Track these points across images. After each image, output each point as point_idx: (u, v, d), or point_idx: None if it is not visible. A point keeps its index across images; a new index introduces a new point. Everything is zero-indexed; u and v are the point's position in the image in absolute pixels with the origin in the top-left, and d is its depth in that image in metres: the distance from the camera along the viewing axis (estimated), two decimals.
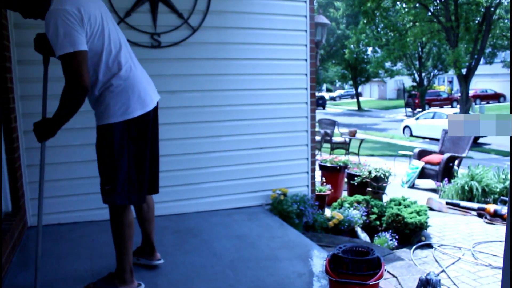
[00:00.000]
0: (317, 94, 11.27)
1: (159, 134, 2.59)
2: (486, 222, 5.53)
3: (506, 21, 20.00)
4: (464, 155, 8.23)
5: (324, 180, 5.50)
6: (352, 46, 28.72)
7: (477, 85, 33.15)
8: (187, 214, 3.95)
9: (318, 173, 5.65)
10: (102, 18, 2.19)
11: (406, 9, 20.40)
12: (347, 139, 10.85)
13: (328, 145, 10.86)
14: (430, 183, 8.15)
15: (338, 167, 6.07)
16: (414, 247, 4.57)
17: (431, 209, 6.06)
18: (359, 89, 41.53)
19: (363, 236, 4.62)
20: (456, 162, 8.16)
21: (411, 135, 18.98)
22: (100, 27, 2.15)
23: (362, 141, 11.16)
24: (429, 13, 19.21)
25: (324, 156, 8.12)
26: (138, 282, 2.48)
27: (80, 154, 3.62)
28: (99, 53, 2.16)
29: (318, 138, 10.00)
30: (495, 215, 5.63)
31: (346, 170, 6.23)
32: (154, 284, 2.58)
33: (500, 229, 5.21)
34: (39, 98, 3.49)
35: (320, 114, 25.65)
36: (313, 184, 4.61)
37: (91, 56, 2.12)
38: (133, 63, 2.30)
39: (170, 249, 3.11)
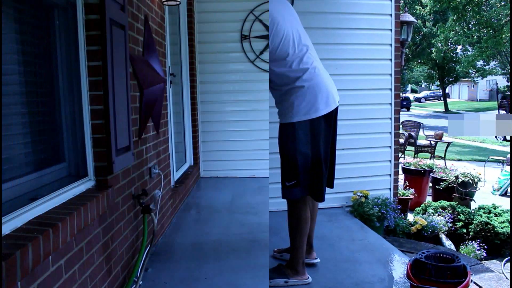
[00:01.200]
0: (401, 95, 10.90)
1: None
2: None
3: None
4: None
5: (407, 184, 5.33)
6: (439, 44, 27.34)
7: None
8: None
9: (401, 176, 5.48)
10: (291, 25, 2.42)
11: (503, 3, 19.00)
12: (433, 142, 10.36)
13: (412, 148, 10.45)
14: None
15: (422, 171, 5.85)
16: (506, 259, 4.27)
17: None
18: (447, 90, 39.39)
19: (448, 244, 4.41)
20: None
21: (505, 139, 17.62)
22: (287, 34, 2.36)
23: (449, 144, 10.60)
24: None
25: (408, 159, 7.84)
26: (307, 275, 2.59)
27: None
28: (285, 57, 2.36)
29: (401, 140, 9.66)
30: None
31: (431, 174, 5.98)
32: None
33: None
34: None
35: (404, 115, 24.69)
36: (396, 187, 4.50)
37: (278, 59, 2.36)
38: (317, 65, 2.43)
39: None
